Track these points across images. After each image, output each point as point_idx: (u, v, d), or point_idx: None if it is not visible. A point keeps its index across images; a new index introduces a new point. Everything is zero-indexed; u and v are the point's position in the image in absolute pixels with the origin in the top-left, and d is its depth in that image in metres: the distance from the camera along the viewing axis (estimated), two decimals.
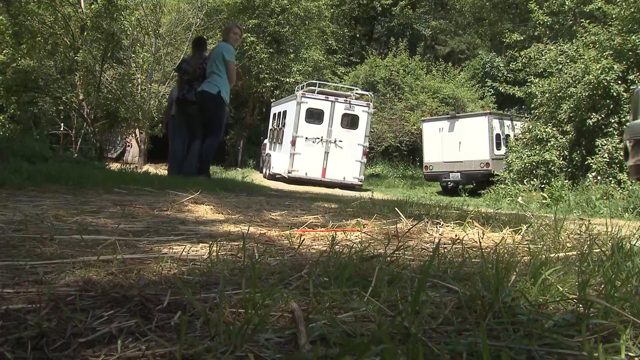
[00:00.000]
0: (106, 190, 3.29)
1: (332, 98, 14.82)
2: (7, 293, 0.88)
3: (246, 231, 1.72)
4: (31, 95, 16.83)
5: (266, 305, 0.79)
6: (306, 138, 14.55)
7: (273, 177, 15.62)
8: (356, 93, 15.77)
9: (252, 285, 0.80)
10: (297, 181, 14.12)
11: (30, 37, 15.52)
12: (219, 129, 5.95)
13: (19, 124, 15.65)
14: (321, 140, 14.60)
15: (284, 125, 15.72)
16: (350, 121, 14.76)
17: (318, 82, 16.45)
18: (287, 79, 23.93)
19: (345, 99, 14.93)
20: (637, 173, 4.32)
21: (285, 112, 15.71)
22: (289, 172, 14.60)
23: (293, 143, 14.60)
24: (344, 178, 14.51)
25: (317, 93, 15.08)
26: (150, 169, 14.51)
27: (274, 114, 17.41)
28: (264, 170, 17.29)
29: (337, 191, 11.14)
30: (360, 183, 14.71)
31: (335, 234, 1.72)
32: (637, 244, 1.34)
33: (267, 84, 24.04)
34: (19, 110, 16.67)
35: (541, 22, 16.35)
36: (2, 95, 16.31)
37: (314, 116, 14.63)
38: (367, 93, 16.35)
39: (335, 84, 18.54)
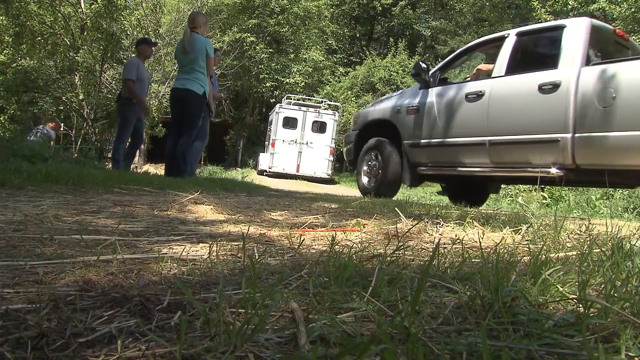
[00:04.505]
0: (106, 190, 3.29)
1: (304, 108, 18.62)
2: (7, 293, 0.88)
3: (246, 231, 1.72)
4: (31, 95, 16.83)
5: (266, 305, 0.79)
6: (283, 140, 18.26)
7: (261, 173, 18.94)
8: (326, 104, 19.76)
9: (252, 285, 0.80)
10: (277, 175, 17.84)
11: (31, 37, 15.52)
12: (195, 127, 5.87)
13: (19, 124, 15.65)
14: (295, 142, 18.33)
15: (270, 131, 19.47)
16: (319, 127, 18.45)
17: (295, 95, 20.69)
18: (287, 79, 23.96)
19: (315, 109, 18.71)
20: (350, 165, 6.64)
21: (272, 120, 19.58)
22: (270, 168, 18.30)
23: (273, 145, 18.39)
24: (315, 173, 18.18)
25: (292, 104, 18.81)
26: (150, 169, 14.59)
27: (269, 121, 20.96)
28: (257, 167, 20.94)
29: (336, 191, 11.18)
30: (328, 177, 18.29)
31: (335, 234, 1.72)
32: (637, 244, 1.34)
33: (267, 84, 24.06)
34: (19, 110, 16.67)
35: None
36: (2, 95, 16.31)
37: (290, 123, 18.36)
38: (336, 104, 20.31)
39: (311, 98, 22.31)
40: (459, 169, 5.14)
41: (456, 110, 5.09)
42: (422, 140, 5.37)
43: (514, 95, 4.68)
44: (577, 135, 4.18)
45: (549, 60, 4.56)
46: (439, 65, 5.79)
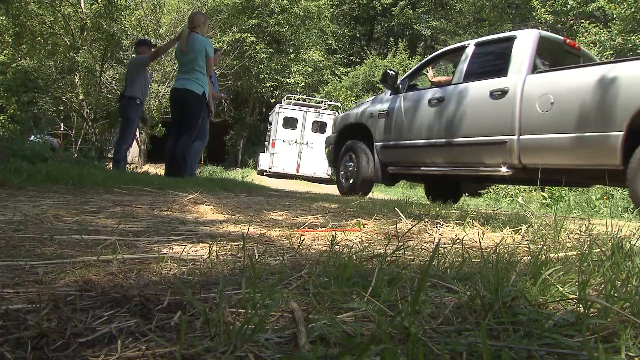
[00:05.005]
0: (106, 190, 3.29)
1: (304, 108, 18.69)
2: (7, 293, 0.88)
3: (246, 231, 1.72)
4: (31, 95, 16.83)
5: (266, 305, 0.79)
6: (283, 140, 18.32)
7: (261, 173, 19.04)
8: (326, 104, 19.96)
9: (252, 285, 0.80)
10: (277, 175, 17.91)
11: (31, 38, 15.52)
12: (195, 127, 5.88)
13: (19, 124, 15.64)
14: (295, 142, 18.38)
15: (270, 131, 19.65)
16: (319, 126, 18.53)
17: (295, 95, 20.98)
18: (287, 79, 23.95)
19: (315, 109, 19.05)
20: (331, 165, 7.20)
21: (272, 120, 19.74)
22: (270, 168, 18.38)
23: (273, 145, 18.45)
24: (315, 173, 18.33)
25: (292, 104, 18.90)
26: (150, 169, 14.59)
27: (269, 121, 21.10)
28: (257, 167, 21.12)
29: (336, 191, 11.18)
30: (328, 177, 18.03)
31: (335, 234, 1.72)
32: (637, 244, 1.34)
33: (267, 84, 24.05)
34: (19, 110, 16.67)
35: (543, 21, 16.36)
36: (2, 95, 16.30)
37: (290, 123, 18.44)
38: (336, 104, 20.49)
39: (311, 98, 22.46)
40: (423, 168, 5.64)
41: (420, 115, 5.60)
42: (391, 142, 5.88)
43: (469, 101, 5.07)
44: (521, 137, 4.57)
45: (501, 68, 4.92)
46: (408, 72, 6.32)
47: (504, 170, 4.71)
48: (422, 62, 6.40)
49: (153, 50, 7.25)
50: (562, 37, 5.50)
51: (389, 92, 6.14)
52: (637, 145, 3.87)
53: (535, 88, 4.49)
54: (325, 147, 7.31)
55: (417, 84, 6.46)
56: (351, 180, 6.33)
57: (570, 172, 4.52)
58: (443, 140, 5.25)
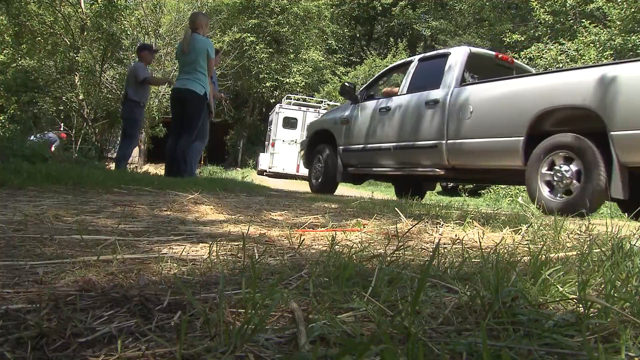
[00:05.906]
0: (106, 190, 3.29)
1: (304, 108, 18.85)
2: (7, 293, 0.88)
3: (246, 231, 1.72)
4: (31, 95, 16.82)
5: (266, 305, 0.79)
6: (283, 140, 18.38)
7: (261, 173, 19.20)
8: (326, 104, 20.12)
9: (252, 285, 0.80)
10: (276, 175, 17.98)
11: (31, 37, 15.51)
12: (195, 128, 5.88)
13: (19, 124, 15.64)
14: (295, 142, 17.97)
15: (270, 131, 19.81)
16: None
17: (295, 95, 21.13)
18: (287, 79, 23.94)
19: (315, 109, 18.97)
20: (305, 167, 7.85)
21: (272, 120, 19.91)
22: (269, 168, 18.46)
23: (273, 145, 18.54)
24: None
25: (292, 104, 19.01)
26: (150, 169, 14.59)
27: (269, 121, 21.29)
28: (257, 167, 21.33)
29: (336, 191, 11.17)
30: None
31: (335, 234, 1.72)
32: (637, 244, 1.34)
33: (267, 84, 24.06)
34: (19, 110, 16.66)
35: (542, 21, 16.35)
36: (2, 95, 16.29)
37: (290, 123, 18.58)
38: (336, 104, 20.83)
39: (311, 98, 22.52)
40: (374, 169, 6.37)
41: (372, 122, 6.34)
42: (350, 146, 6.62)
43: (410, 110, 5.78)
44: (448, 141, 5.23)
45: (436, 81, 5.57)
46: (366, 84, 7.14)
47: (437, 170, 5.42)
48: (378, 74, 7.21)
49: (149, 77, 7.48)
50: (494, 52, 6.26)
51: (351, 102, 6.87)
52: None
53: (460, 99, 5.14)
54: (300, 150, 8.08)
55: (374, 94, 7.15)
56: (319, 180, 7.10)
57: (489, 172, 5.21)
58: (390, 144, 5.97)
